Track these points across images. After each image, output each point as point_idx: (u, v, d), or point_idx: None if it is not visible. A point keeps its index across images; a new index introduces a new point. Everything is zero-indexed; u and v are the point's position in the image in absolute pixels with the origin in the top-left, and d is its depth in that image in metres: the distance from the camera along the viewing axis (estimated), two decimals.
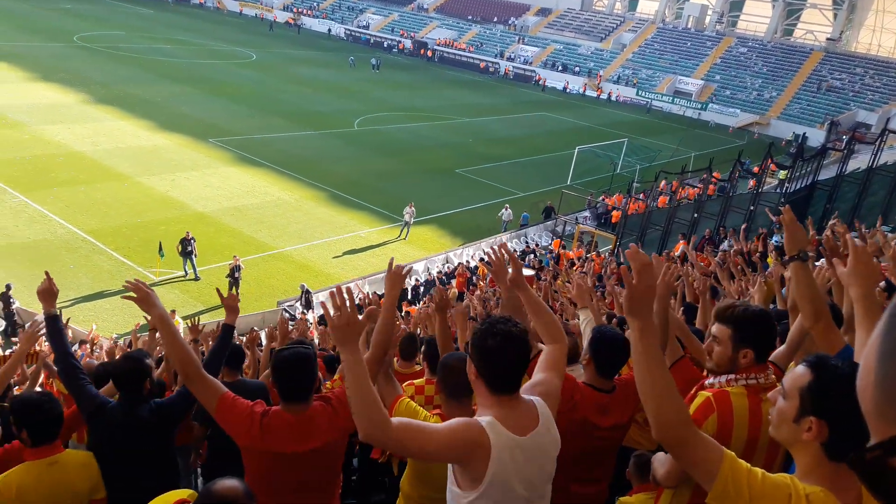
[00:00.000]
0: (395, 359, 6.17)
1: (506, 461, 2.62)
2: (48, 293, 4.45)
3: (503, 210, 28.70)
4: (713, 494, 2.15)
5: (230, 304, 4.80)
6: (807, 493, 2.04)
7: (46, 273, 4.59)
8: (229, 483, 2.66)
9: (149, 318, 3.73)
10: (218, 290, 5.12)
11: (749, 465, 2.16)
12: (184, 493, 2.90)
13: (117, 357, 5.84)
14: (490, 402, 2.73)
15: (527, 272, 12.35)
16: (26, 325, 16.97)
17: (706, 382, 3.33)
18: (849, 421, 1.95)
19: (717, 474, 2.13)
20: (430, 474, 3.78)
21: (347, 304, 2.62)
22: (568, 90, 67.27)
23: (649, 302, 2.34)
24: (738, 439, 3.10)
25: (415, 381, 5.03)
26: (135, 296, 3.53)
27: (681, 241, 20.99)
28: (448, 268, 23.92)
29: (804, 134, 47.09)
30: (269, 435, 3.37)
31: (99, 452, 4.16)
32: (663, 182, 29.47)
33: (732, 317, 3.20)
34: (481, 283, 20.93)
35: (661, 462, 3.20)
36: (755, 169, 26.37)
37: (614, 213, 29.44)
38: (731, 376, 3.20)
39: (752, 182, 27.07)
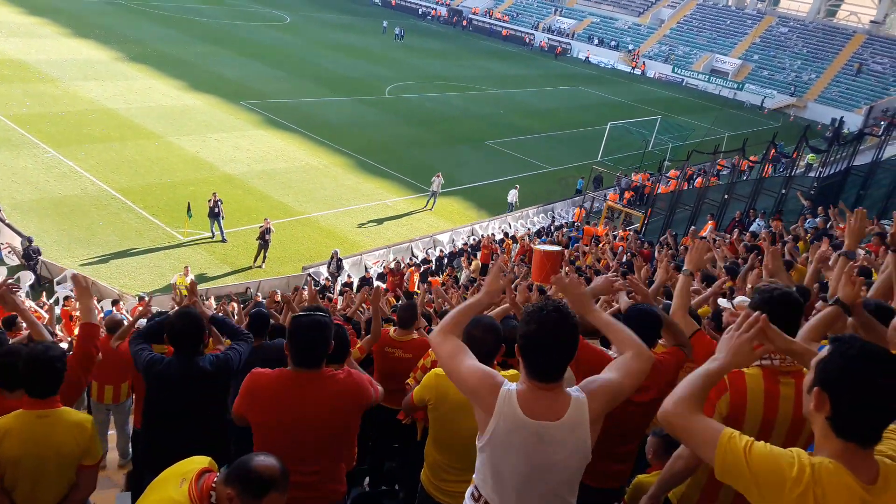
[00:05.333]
0: (392, 328, 6.22)
1: (503, 429, 2.73)
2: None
3: (512, 191, 27.89)
4: (717, 470, 2.22)
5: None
6: (813, 462, 2.07)
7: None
8: (268, 461, 2.65)
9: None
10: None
11: (752, 439, 2.19)
12: (204, 461, 2.90)
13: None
14: (522, 379, 2.80)
15: (552, 248, 12.17)
16: (55, 280, 17.23)
17: None
18: (851, 396, 2.05)
19: (715, 451, 2.20)
20: (450, 443, 3.82)
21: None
22: (588, 59, 67.17)
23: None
24: (753, 420, 3.16)
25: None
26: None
27: (709, 222, 20.77)
28: (473, 240, 23.84)
29: (841, 118, 46.08)
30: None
31: (154, 407, 4.35)
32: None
33: (754, 297, 3.31)
34: (505, 256, 20.87)
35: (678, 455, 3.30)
36: (794, 154, 25.94)
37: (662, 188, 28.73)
38: None
39: (767, 167, 26.61)
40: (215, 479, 2.71)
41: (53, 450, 3.68)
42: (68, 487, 3.81)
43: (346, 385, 3.54)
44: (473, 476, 3.00)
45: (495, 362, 3.88)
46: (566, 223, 26.89)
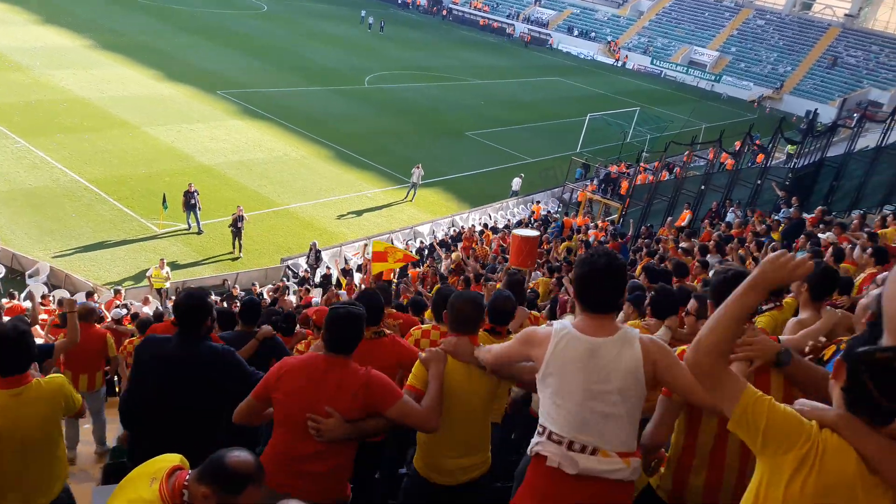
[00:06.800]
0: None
1: (559, 349, 3.03)
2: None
3: (516, 179, 28.65)
4: (733, 420, 2.34)
5: None
6: (825, 432, 2.18)
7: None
8: (242, 456, 2.60)
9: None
10: None
11: (772, 399, 2.31)
12: (174, 458, 2.83)
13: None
14: (579, 313, 3.14)
15: (529, 232, 12.23)
16: (26, 273, 16.92)
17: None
18: (865, 374, 2.09)
19: (738, 401, 2.32)
20: (447, 422, 3.77)
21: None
22: (553, 45, 66.81)
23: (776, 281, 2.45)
24: None
25: (422, 326, 5.37)
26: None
27: (686, 212, 20.92)
28: (454, 231, 23.78)
29: (815, 110, 46.63)
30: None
31: (143, 391, 4.24)
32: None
33: (711, 278, 3.63)
34: (485, 247, 20.85)
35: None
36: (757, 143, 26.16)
37: (623, 182, 29.06)
38: None
39: (759, 156, 27.02)
40: (187, 476, 2.65)
41: (36, 424, 3.85)
42: (56, 450, 4.02)
43: (364, 380, 3.63)
44: (539, 421, 3.18)
45: (482, 330, 4.03)
46: (529, 218, 26.86)
